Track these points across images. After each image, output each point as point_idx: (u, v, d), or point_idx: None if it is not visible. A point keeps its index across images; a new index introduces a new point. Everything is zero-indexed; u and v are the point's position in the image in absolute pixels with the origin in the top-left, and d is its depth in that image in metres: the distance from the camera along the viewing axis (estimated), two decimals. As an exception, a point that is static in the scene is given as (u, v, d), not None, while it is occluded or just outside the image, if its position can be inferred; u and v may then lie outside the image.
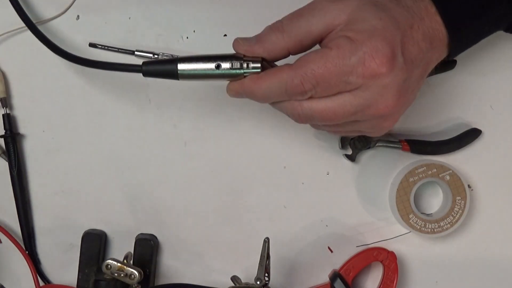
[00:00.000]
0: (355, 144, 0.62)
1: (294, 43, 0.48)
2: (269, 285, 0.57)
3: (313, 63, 0.46)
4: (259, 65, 0.48)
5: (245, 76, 0.49)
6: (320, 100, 0.47)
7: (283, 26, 0.48)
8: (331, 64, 0.45)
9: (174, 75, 0.50)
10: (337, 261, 0.63)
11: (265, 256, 0.56)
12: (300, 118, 0.49)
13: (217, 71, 0.49)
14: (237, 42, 0.49)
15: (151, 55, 0.61)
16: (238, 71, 0.49)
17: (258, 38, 0.49)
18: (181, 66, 0.50)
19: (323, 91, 0.46)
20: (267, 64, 0.49)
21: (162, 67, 0.51)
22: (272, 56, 0.48)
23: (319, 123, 0.50)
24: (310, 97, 0.47)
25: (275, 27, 0.48)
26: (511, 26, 0.54)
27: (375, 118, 0.48)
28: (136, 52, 0.61)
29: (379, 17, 0.46)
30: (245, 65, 0.48)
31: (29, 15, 0.59)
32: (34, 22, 0.59)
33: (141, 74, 0.51)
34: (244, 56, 0.49)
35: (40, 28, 0.60)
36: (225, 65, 0.49)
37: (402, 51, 0.46)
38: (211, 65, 0.49)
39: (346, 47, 0.45)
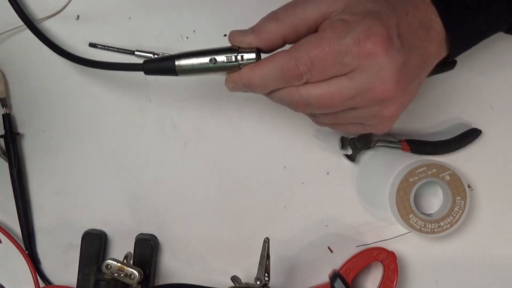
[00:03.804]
0: (355, 144, 0.62)
1: (289, 30, 0.47)
2: (269, 285, 0.57)
3: (308, 45, 0.45)
4: (253, 55, 0.48)
5: (241, 68, 0.49)
6: (316, 84, 0.47)
7: (278, 14, 0.48)
8: (325, 44, 0.45)
9: (173, 71, 0.50)
10: (337, 261, 0.63)
11: (265, 256, 0.56)
12: (298, 105, 0.48)
13: (214, 65, 0.49)
14: (232, 34, 0.49)
15: (151, 55, 0.61)
16: (233, 63, 0.48)
17: (253, 29, 0.48)
18: (178, 62, 0.50)
19: (319, 74, 0.46)
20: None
21: (161, 64, 0.51)
22: (268, 44, 0.48)
23: (317, 111, 0.50)
24: (307, 83, 0.47)
25: (270, 16, 0.48)
26: (511, 27, 0.54)
27: (374, 103, 0.47)
28: (136, 52, 0.61)
29: (373, 1, 0.46)
30: (239, 57, 0.48)
31: (28, 14, 0.59)
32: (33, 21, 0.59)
33: (142, 74, 0.52)
34: (239, 48, 0.49)
35: (40, 28, 0.60)
36: (220, 58, 0.49)
37: (398, 34, 0.46)
38: (207, 60, 0.49)
39: (341, 28, 0.45)
